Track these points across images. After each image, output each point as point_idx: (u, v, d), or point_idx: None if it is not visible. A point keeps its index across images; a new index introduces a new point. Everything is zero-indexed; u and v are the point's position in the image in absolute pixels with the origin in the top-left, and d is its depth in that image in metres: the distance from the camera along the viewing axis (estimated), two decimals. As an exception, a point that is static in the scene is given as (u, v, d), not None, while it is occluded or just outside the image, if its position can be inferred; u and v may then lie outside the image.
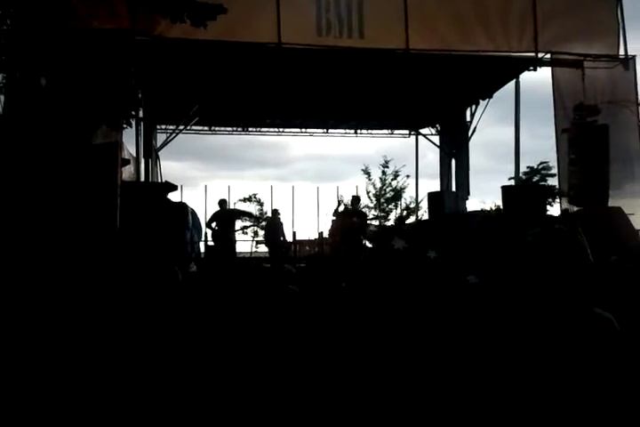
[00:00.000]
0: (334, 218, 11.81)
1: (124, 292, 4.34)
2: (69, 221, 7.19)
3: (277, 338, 3.40)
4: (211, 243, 13.09)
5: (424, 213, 17.62)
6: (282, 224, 13.99)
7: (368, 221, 12.79)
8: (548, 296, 1.95)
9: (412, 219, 18.98)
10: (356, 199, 12.50)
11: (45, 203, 7.19)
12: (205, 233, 13.34)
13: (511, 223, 9.20)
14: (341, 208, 11.54)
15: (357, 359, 3.26)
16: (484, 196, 24.29)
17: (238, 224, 14.29)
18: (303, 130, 16.30)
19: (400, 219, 13.97)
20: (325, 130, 16.35)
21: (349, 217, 11.32)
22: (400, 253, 8.77)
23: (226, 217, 12.51)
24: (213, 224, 12.39)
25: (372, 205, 19.62)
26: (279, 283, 4.37)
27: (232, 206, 15.10)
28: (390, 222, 19.53)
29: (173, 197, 11.18)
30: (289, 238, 14.01)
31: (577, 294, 1.97)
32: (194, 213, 11.79)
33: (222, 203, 12.79)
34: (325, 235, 12.85)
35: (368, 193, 19.78)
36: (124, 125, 9.34)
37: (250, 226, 17.66)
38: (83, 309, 4.43)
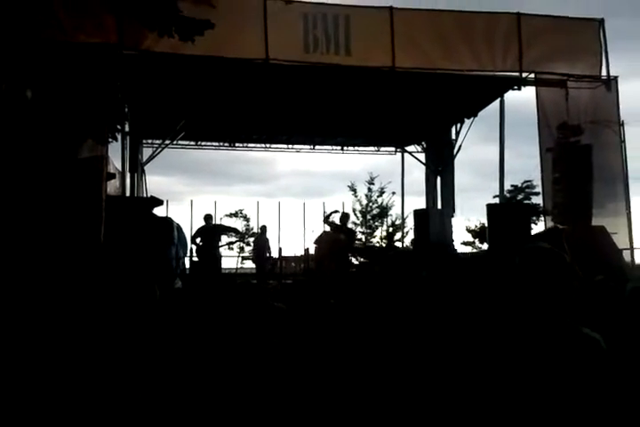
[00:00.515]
0: (323, 232, 11.80)
1: (102, 307, 4.28)
2: (54, 235, 7.11)
3: (262, 356, 3.36)
4: (196, 258, 13.01)
5: (409, 230, 17.70)
6: (268, 240, 13.93)
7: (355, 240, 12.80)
8: (536, 316, 1.94)
9: (398, 235, 19.03)
10: (345, 216, 12.48)
11: (30, 216, 7.11)
12: (191, 248, 13.25)
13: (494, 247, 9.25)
14: (336, 218, 11.45)
15: (350, 375, 3.23)
16: (470, 213, 24.37)
17: (224, 240, 14.23)
18: (290, 146, 16.31)
19: (388, 236, 13.97)
20: (312, 146, 16.38)
21: (338, 233, 11.30)
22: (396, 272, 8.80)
23: (211, 233, 12.45)
24: (198, 240, 12.31)
25: (358, 221, 19.62)
26: (264, 300, 4.34)
27: (218, 222, 15.05)
28: (376, 240, 19.54)
29: (159, 211, 11.12)
30: (274, 255, 13.97)
31: (564, 313, 1.96)
32: (179, 229, 11.72)
33: (208, 218, 12.72)
34: (311, 251, 12.81)
35: (354, 210, 19.80)
36: (110, 139, 9.28)
37: (235, 242, 17.58)
38: (61, 321, 4.37)
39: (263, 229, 14.31)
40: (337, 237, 10.90)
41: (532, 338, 1.91)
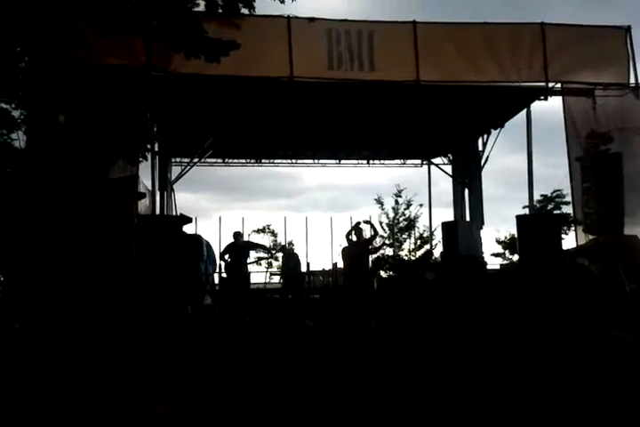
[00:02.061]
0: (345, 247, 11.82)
1: (135, 325, 4.35)
2: (87, 255, 7.25)
3: (288, 380, 3.36)
4: (225, 275, 13.12)
5: (438, 243, 17.60)
6: (296, 255, 13.98)
7: (377, 243, 12.79)
8: (571, 329, 1.95)
9: (425, 248, 18.92)
10: (356, 227, 12.48)
11: (64, 236, 7.26)
12: (220, 265, 13.36)
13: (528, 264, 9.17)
14: (366, 231, 11.49)
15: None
16: (499, 224, 24.20)
17: (252, 256, 14.35)
18: (316, 161, 16.40)
19: (427, 254, 13.85)
20: (338, 160, 16.45)
21: (357, 245, 11.33)
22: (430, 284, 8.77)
23: (240, 249, 12.54)
24: (227, 256, 12.41)
25: (385, 234, 19.59)
26: (294, 317, 4.36)
27: (246, 238, 15.17)
28: (404, 252, 19.46)
29: (188, 229, 11.25)
30: (303, 268, 14.00)
31: (596, 324, 1.97)
32: (208, 245, 11.84)
33: (237, 235, 12.82)
34: (339, 265, 12.82)
35: (381, 223, 19.78)
36: (140, 159, 9.45)
37: (263, 258, 17.68)
38: (94, 340, 4.44)
39: (290, 245, 14.37)
40: (356, 250, 10.94)
41: (566, 351, 1.92)
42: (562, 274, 1.87)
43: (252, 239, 16.58)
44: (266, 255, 17.91)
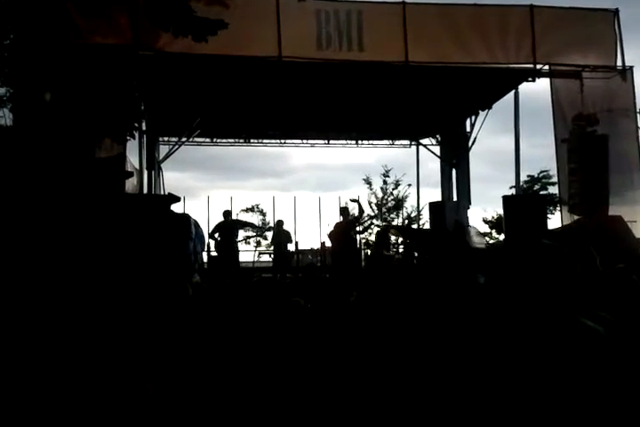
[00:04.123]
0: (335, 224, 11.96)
1: (135, 305, 4.41)
2: (75, 235, 7.27)
3: (283, 354, 3.44)
4: (214, 253, 13.17)
5: (426, 223, 17.71)
6: (289, 234, 14.06)
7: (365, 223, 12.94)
8: (538, 308, 2.03)
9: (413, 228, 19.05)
10: (344, 210, 12.58)
11: (50, 216, 7.27)
12: (208, 243, 13.41)
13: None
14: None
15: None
16: (486, 204, 24.29)
17: (241, 235, 14.39)
18: (304, 141, 16.37)
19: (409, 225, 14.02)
20: (326, 140, 16.43)
21: (348, 228, 11.45)
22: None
23: (228, 228, 12.60)
24: (216, 235, 12.47)
25: (373, 214, 19.68)
26: (283, 295, 4.43)
27: (235, 217, 15.18)
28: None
29: (177, 208, 11.26)
30: (291, 248, 14.09)
31: (566, 305, 2.04)
32: (196, 224, 11.87)
33: (226, 214, 12.88)
34: (327, 244, 12.94)
35: (370, 202, 19.86)
36: (128, 138, 9.42)
37: (252, 236, 17.72)
38: (84, 321, 4.49)
39: (279, 223, 14.43)
40: (343, 230, 11.09)
41: (532, 332, 2.00)
42: (535, 254, 1.95)
43: (240, 218, 16.59)
44: (254, 234, 17.98)
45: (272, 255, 14.45)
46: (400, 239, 12.92)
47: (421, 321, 3.69)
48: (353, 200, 12.02)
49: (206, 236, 12.67)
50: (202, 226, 12.50)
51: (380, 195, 19.96)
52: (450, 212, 12.15)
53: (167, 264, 7.83)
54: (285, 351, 3.51)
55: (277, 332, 3.74)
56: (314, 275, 12.50)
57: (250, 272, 13.53)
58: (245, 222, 15.07)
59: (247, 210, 18.87)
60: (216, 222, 13.10)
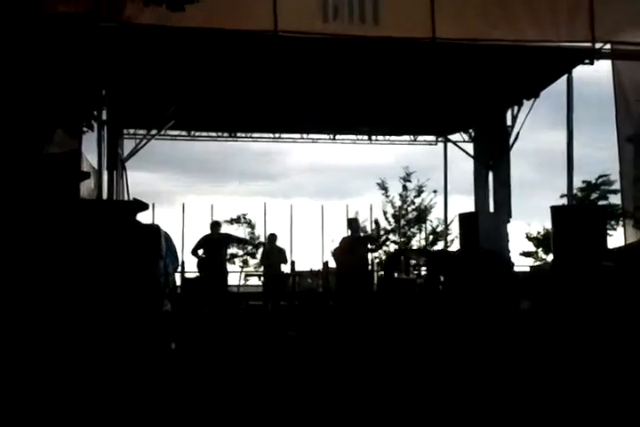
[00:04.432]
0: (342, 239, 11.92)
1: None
2: (17, 248, 7.21)
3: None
4: (190, 275, 13.13)
5: (455, 239, 17.62)
6: (282, 251, 14.00)
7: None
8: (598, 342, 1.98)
9: (439, 245, 18.97)
10: (352, 222, 12.54)
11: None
12: (182, 262, 13.34)
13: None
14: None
15: None
16: (530, 217, 24.17)
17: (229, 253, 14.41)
18: (304, 136, 16.39)
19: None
20: (332, 136, 16.43)
21: (359, 244, 11.38)
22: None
23: (216, 243, 12.53)
24: (200, 251, 12.42)
25: (389, 227, 19.60)
26: (275, 329, 4.41)
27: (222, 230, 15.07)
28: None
29: (144, 217, 11.21)
30: (286, 269, 14.03)
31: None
32: (168, 238, 11.81)
33: (215, 226, 12.86)
34: (331, 264, 12.89)
35: (385, 213, 19.77)
36: (85, 129, 9.40)
37: (242, 255, 17.67)
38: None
39: (272, 237, 14.37)
40: (352, 247, 11.05)
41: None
42: (592, 278, 1.91)
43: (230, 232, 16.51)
44: (242, 252, 17.90)
45: (262, 278, 14.38)
46: (422, 260, 12.86)
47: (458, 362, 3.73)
48: (376, 223, 12.02)
49: (181, 253, 12.63)
50: (175, 240, 12.49)
51: (398, 204, 19.89)
52: (485, 225, 12.08)
53: (131, 290, 7.76)
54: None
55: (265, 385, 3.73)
56: (314, 303, 12.47)
57: (235, 299, 13.48)
58: (239, 239, 15.00)
59: (232, 221, 18.71)
60: (201, 236, 13.05)
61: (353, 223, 12.38)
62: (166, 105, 12.81)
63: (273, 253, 13.91)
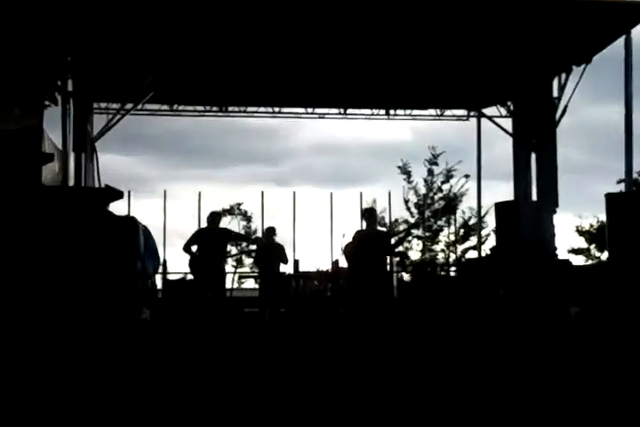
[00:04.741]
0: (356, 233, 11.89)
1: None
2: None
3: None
4: (174, 276, 13.16)
5: (490, 233, 17.63)
6: (281, 248, 14.02)
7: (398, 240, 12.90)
8: None
9: (472, 241, 18.98)
10: (369, 213, 12.47)
11: None
12: (164, 262, 13.35)
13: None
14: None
15: None
16: (581, 207, 24.14)
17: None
18: (310, 110, 16.39)
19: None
20: (342, 110, 16.41)
21: (376, 240, 11.35)
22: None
23: (215, 239, 12.53)
24: (194, 248, 12.43)
25: (412, 219, 19.63)
26: (275, 342, 4.43)
27: (205, 223, 15.11)
28: (441, 246, 19.53)
29: (117, 208, 11.23)
30: (288, 269, 14.04)
31: None
32: (147, 233, 11.82)
33: (214, 217, 12.82)
34: (342, 263, 12.88)
35: (407, 202, 19.80)
36: (47, 103, 9.39)
37: (235, 254, 17.76)
38: None
39: (270, 232, 14.39)
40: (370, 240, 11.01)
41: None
42: None
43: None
44: (235, 249, 17.94)
45: (258, 280, 14.41)
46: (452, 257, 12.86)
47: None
48: (414, 225, 12.01)
49: (162, 250, 12.64)
50: (155, 236, 12.51)
51: (422, 191, 19.92)
52: (527, 217, 12.07)
53: (102, 294, 7.77)
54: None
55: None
56: (321, 310, 12.46)
57: (229, 305, 13.50)
58: (241, 235, 15.06)
59: (224, 212, 18.80)
60: (196, 229, 13.11)
61: (369, 214, 12.26)
62: (144, 73, 12.79)
63: (270, 251, 13.89)
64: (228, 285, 16.90)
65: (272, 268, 13.70)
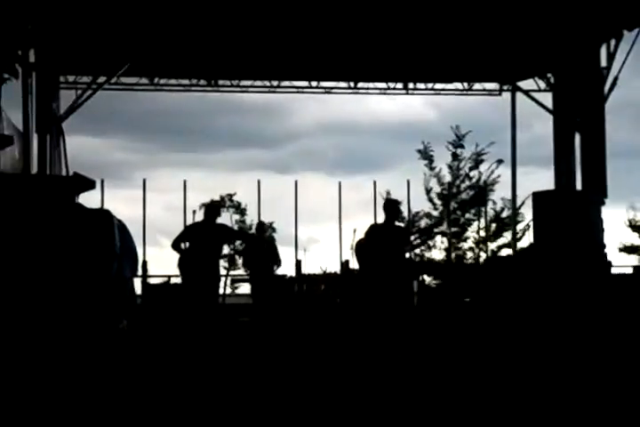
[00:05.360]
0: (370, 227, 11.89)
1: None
2: None
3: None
4: (156, 280, 13.20)
5: (528, 229, 17.59)
6: (274, 246, 14.02)
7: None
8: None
9: (506, 237, 18.98)
10: (390, 206, 12.46)
11: None
12: (144, 263, 13.38)
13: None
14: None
15: None
16: (634, 198, 24.02)
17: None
18: (314, 84, 16.41)
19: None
20: (352, 83, 16.41)
21: (395, 237, 11.35)
22: None
23: (210, 236, 12.49)
24: (183, 245, 12.42)
25: (436, 212, 19.60)
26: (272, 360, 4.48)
27: (191, 215, 15.14)
28: (469, 244, 19.52)
29: (89, 199, 11.26)
30: (288, 271, 14.08)
31: None
32: (123, 229, 11.85)
33: (213, 211, 12.76)
34: (353, 264, 12.91)
35: (429, 192, 19.74)
36: (6, 76, 9.43)
37: (227, 254, 17.79)
38: None
39: (260, 228, 14.44)
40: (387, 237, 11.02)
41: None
42: None
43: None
44: (227, 248, 17.98)
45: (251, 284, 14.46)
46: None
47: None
48: (443, 234, 12.04)
49: (141, 249, 12.66)
50: (133, 232, 12.53)
51: (447, 179, 19.86)
52: (570, 209, 12.07)
53: (72, 301, 7.79)
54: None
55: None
56: (329, 319, 12.46)
57: (220, 313, 13.53)
58: (241, 234, 15.10)
59: (214, 205, 18.83)
60: (189, 224, 13.07)
61: (392, 207, 12.18)
62: (119, 41, 12.80)
63: (261, 249, 13.91)
64: (221, 289, 17.01)
65: (265, 270, 13.74)
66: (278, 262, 13.69)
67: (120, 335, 9.40)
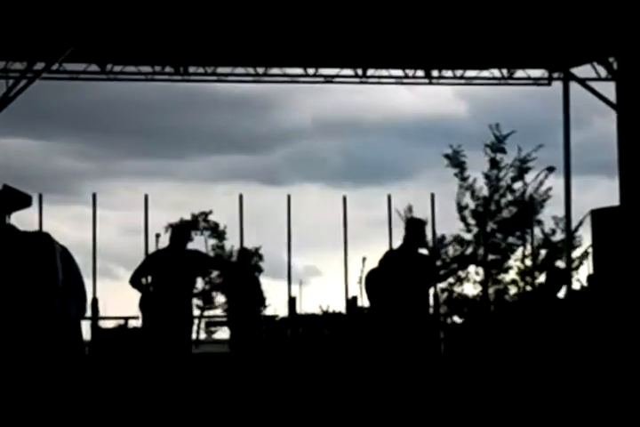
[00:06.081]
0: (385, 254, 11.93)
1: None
2: None
3: None
4: (109, 323, 13.27)
5: (587, 255, 17.65)
6: (256, 279, 14.12)
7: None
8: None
9: (560, 265, 19.02)
10: (415, 226, 12.51)
11: None
12: (94, 301, 13.46)
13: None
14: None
15: None
16: None
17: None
18: (311, 71, 16.55)
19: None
20: (360, 70, 16.53)
21: (418, 267, 11.41)
22: None
23: (181, 267, 12.50)
24: (145, 280, 12.45)
25: (469, 235, 19.71)
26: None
27: (155, 238, 15.19)
28: (512, 275, 19.59)
29: (24, 218, 11.33)
30: (279, 310, 14.17)
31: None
32: (68, 257, 11.90)
33: (181, 233, 12.76)
34: (362, 302, 13.00)
35: (462, 209, 19.86)
36: None
37: (204, 292, 17.91)
38: None
39: (243, 255, 14.55)
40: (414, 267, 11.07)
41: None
42: None
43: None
44: (201, 282, 18.06)
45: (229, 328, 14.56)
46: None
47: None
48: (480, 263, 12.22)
49: (90, 284, 12.70)
50: (80, 261, 12.61)
51: (483, 192, 19.98)
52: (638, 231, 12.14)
53: (3, 348, 7.86)
54: None
55: None
56: (333, 372, 12.53)
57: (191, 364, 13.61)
58: (217, 262, 15.21)
59: (183, 226, 18.96)
60: (150, 253, 13.12)
61: (416, 229, 12.13)
62: (61, 18, 12.92)
63: (245, 282, 13.99)
64: (193, 335, 17.10)
65: (248, 309, 13.81)
66: (261, 300, 13.77)
67: (62, 395, 9.47)
